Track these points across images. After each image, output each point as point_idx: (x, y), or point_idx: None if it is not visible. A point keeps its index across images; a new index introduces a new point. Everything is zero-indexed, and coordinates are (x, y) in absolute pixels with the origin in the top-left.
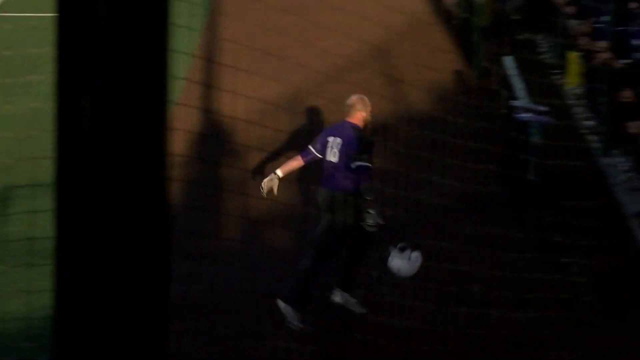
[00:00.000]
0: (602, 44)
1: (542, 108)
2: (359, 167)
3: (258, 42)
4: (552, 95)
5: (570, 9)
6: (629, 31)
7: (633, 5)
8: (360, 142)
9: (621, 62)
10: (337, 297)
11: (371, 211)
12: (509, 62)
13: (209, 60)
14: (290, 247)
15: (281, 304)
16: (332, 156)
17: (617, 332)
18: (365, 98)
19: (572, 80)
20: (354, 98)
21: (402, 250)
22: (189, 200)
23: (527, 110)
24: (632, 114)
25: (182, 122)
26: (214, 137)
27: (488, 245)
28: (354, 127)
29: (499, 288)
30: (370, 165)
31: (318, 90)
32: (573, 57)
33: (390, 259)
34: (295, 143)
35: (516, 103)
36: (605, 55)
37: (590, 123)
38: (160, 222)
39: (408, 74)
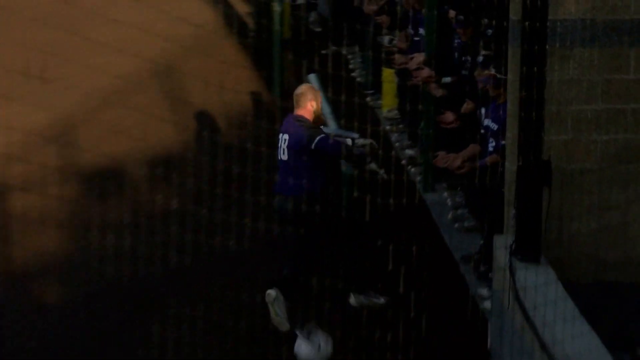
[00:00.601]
0: (419, 57)
1: (354, 135)
2: (318, 144)
3: (18, 63)
4: (365, 119)
5: (384, 20)
6: (451, 45)
7: (452, 14)
8: (308, 131)
9: (444, 80)
10: (352, 300)
11: (373, 166)
12: (314, 80)
13: None
14: (59, 301)
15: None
16: (282, 154)
17: None
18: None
19: (388, 102)
20: (304, 87)
21: (309, 334)
22: None
23: (337, 137)
24: (456, 141)
25: None
26: None
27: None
28: (300, 119)
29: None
30: (329, 136)
31: (92, 117)
32: (388, 74)
33: (296, 346)
34: (70, 181)
35: (324, 129)
36: (425, 73)
37: (411, 152)
38: None
39: (197, 96)
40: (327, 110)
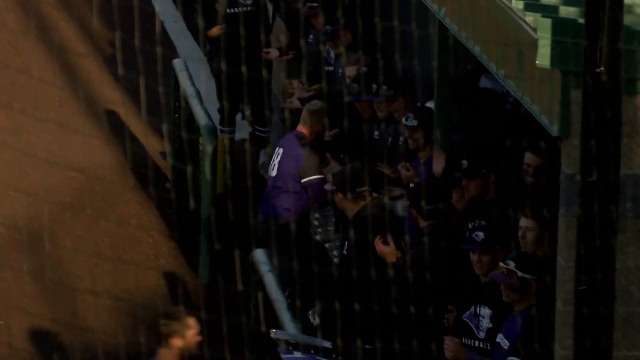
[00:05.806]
0: None
1: (325, 344)
2: (307, 184)
3: None
4: None
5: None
6: None
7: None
8: (307, 161)
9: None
10: None
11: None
12: (262, 256)
13: None
14: None
15: None
16: (272, 169)
17: None
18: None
19: None
20: (320, 103)
21: None
22: None
23: (299, 346)
24: None
25: None
26: None
27: None
28: (300, 136)
29: None
30: (320, 178)
31: None
32: None
33: None
34: None
35: (280, 334)
36: None
37: None
38: None
39: (80, 279)
40: (282, 306)
